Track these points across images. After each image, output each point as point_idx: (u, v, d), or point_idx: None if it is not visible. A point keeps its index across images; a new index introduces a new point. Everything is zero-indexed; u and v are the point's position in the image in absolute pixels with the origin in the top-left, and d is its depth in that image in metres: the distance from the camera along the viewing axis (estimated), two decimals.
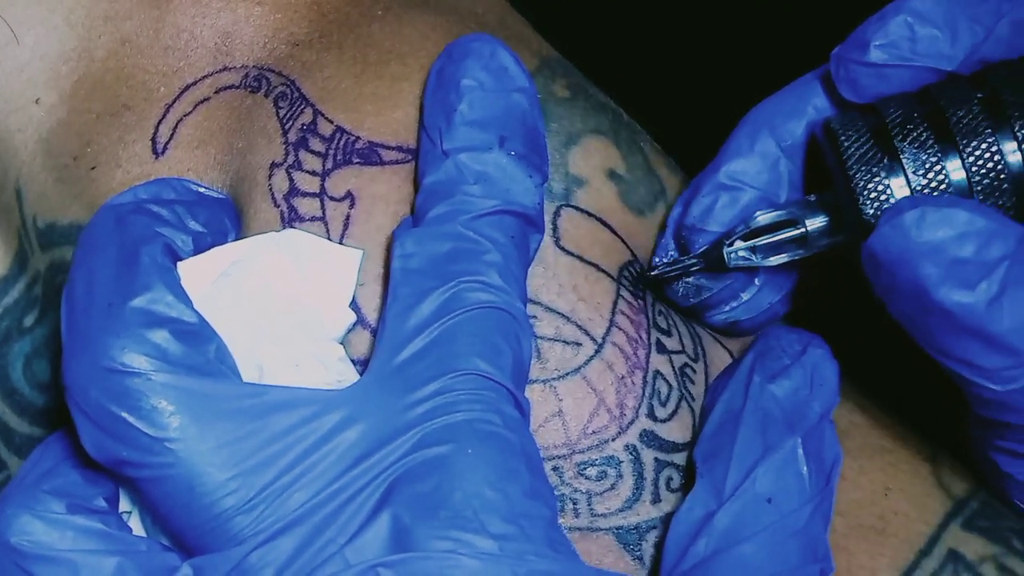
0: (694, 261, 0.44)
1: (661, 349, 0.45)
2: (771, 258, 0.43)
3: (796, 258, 0.43)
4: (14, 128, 0.49)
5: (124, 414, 0.36)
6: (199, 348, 0.38)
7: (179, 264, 0.40)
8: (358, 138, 0.44)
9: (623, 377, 0.43)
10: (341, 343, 0.41)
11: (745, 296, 0.46)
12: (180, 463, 0.36)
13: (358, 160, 0.44)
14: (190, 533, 0.36)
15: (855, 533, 0.44)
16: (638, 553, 0.42)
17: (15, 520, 0.37)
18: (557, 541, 0.36)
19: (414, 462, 0.36)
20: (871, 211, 0.40)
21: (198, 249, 0.41)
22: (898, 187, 0.40)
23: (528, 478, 0.37)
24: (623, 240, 0.45)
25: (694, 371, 0.46)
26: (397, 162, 0.43)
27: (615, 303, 0.44)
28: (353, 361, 0.41)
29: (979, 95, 0.40)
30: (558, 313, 0.43)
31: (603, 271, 0.44)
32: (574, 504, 0.42)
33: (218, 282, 0.40)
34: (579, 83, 0.49)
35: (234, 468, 0.36)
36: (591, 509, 0.42)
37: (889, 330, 0.41)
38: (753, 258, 0.43)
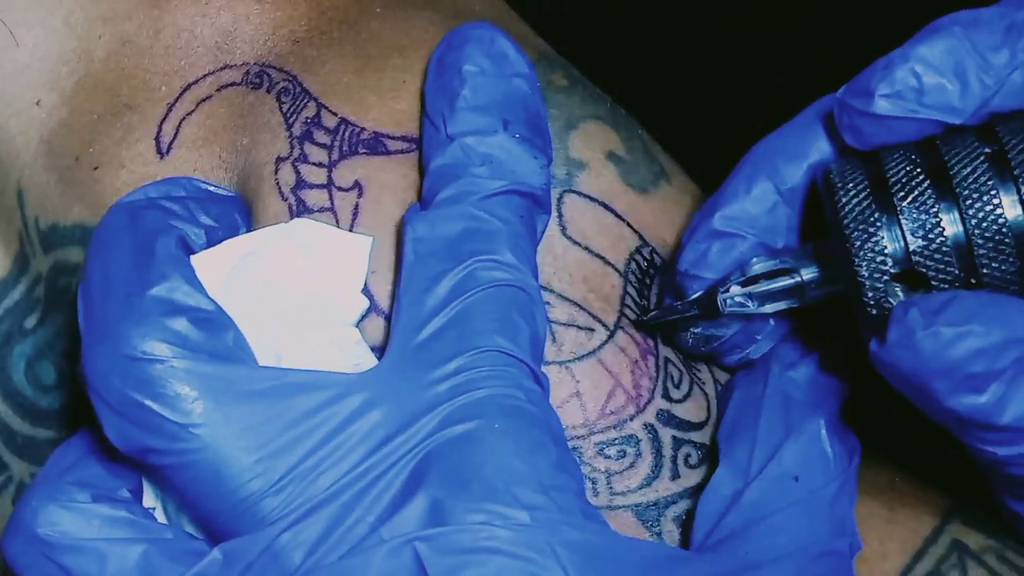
0: (687, 307, 0.43)
1: (666, 341, 0.45)
2: (767, 306, 0.42)
3: (792, 307, 0.42)
4: (15, 130, 0.49)
5: (148, 401, 0.36)
6: (218, 335, 0.38)
7: (192, 258, 0.40)
8: (363, 129, 0.44)
9: (636, 361, 0.43)
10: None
11: (760, 338, 0.45)
12: (205, 448, 0.36)
13: (364, 150, 0.44)
14: (218, 518, 0.36)
15: (864, 520, 0.44)
16: (657, 529, 0.42)
17: (41, 511, 0.36)
18: (587, 511, 0.36)
19: (441, 440, 0.36)
20: (866, 273, 0.38)
21: (210, 243, 0.41)
22: (895, 249, 0.38)
23: (554, 450, 0.37)
24: (628, 223, 0.46)
25: (697, 360, 0.47)
26: (403, 152, 0.44)
27: (623, 297, 0.44)
28: None
29: (986, 150, 0.38)
30: (570, 301, 0.43)
31: (610, 264, 0.45)
32: (593, 483, 0.42)
33: (231, 275, 0.40)
34: (577, 75, 0.49)
35: (259, 451, 0.36)
36: (610, 487, 0.42)
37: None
38: (749, 305, 0.42)
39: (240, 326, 0.39)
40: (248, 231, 0.44)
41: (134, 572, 0.36)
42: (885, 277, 0.38)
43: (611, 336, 0.43)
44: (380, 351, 0.41)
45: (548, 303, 0.43)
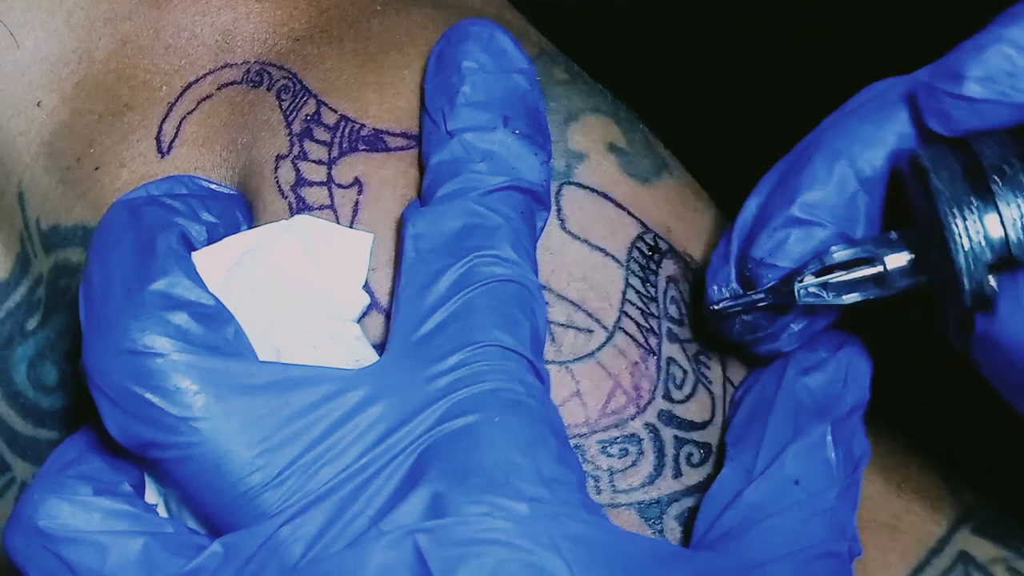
0: (761, 296, 0.41)
1: (673, 338, 0.45)
2: (844, 297, 0.40)
3: (871, 298, 0.40)
4: (16, 132, 0.49)
5: (148, 395, 0.36)
6: (218, 330, 0.37)
7: (193, 254, 0.40)
8: (363, 125, 0.44)
9: (636, 362, 0.43)
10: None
11: (796, 327, 0.43)
12: (206, 442, 0.36)
13: (364, 147, 0.44)
14: (218, 512, 0.36)
15: (867, 528, 0.44)
16: (659, 527, 0.42)
17: (42, 504, 0.36)
18: (588, 504, 0.36)
19: (441, 434, 0.36)
20: (963, 261, 0.36)
21: (211, 240, 0.41)
22: (993, 237, 0.36)
23: (555, 444, 0.37)
24: (629, 211, 0.45)
25: (709, 358, 0.46)
26: (402, 148, 0.44)
27: (624, 292, 0.44)
28: None
29: None
30: (569, 301, 0.43)
31: (611, 255, 0.44)
32: (596, 481, 0.42)
33: (232, 271, 0.40)
34: (578, 70, 0.49)
35: (260, 445, 0.36)
36: (612, 485, 0.42)
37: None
38: (824, 295, 0.40)
39: (241, 322, 0.39)
40: (250, 228, 0.44)
41: (135, 565, 0.36)
42: (983, 266, 0.36)
43: (610, 338, 0.43)
44: (380, 348, 0.41)
45: (546, 302, 0.43)
